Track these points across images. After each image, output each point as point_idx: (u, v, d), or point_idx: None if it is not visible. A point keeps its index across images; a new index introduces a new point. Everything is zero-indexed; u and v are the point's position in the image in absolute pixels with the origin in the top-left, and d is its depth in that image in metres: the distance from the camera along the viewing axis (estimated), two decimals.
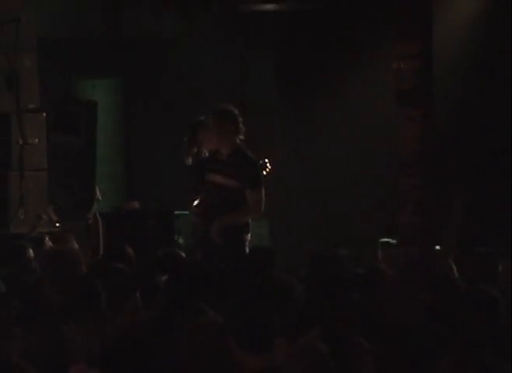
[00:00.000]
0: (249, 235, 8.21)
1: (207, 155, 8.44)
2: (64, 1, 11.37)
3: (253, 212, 8.21)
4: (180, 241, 9.31)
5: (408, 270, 6.47)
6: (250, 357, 4.61)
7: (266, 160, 8.73)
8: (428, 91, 8.97)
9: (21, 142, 9.29)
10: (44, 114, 9.56)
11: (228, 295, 5.78)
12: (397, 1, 9.04)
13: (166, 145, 10.58)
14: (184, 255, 7.11)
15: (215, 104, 8.48)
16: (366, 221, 10.33)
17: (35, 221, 9.16)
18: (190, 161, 8.64)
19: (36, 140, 9.39)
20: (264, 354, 4.63)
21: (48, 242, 7.84)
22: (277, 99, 11.67)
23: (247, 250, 8.06)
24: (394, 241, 8.69)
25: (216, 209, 8.18)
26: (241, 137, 8.24)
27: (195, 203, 8.44)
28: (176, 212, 9.75)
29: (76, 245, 8.33)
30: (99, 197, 9.85)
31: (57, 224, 9.40)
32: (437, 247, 8.74)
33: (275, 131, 11.30)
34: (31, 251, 7.12)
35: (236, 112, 8.27)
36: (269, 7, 11.32)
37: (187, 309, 5.53)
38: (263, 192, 8.21)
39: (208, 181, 8.28)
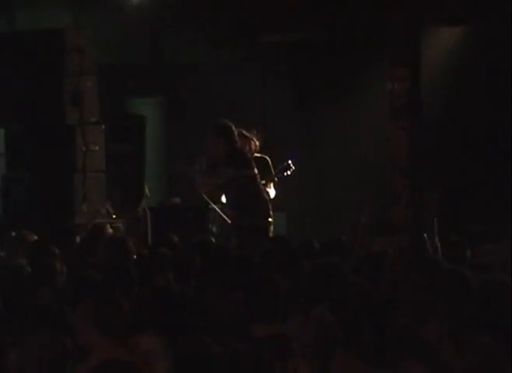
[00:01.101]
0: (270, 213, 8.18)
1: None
2: (118, 34, 11.40)
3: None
4: (214, 229, 9.29)
5: (401, 253, 6.48)
6: (258, 326, 4.60)
7: (290, 161, 8.67)
8: (416, 107, 8.99)
9: (84, 149, 9.27)
10: (103, 126, 9.56)
11: (248, 274, 5.71)
12: (391, 33, 9.05)
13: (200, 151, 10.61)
14: (214, 241, 7.09)
15: (238, 117, 8.46)
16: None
17: (95, 214, 9.22)
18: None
19: (97, 147, 9.37)
20: (269, 324, 4.61)
21: (109, 231, 7.85)
22: (292, 113, 11.67)
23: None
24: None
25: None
26: (235, 145, 8.11)
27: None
28: (209, 206, 9.76)
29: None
30: (148, 194, 9.85)
31: (114, 216, 9.45)
32: (425, 235, 8.75)
33: (291, 139, 11.30)
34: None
35: (228, 125, 8.13)
36: (283, 38, 11.32)
37: (215, 285, 5.59)
38: (254, 171, 8.13)
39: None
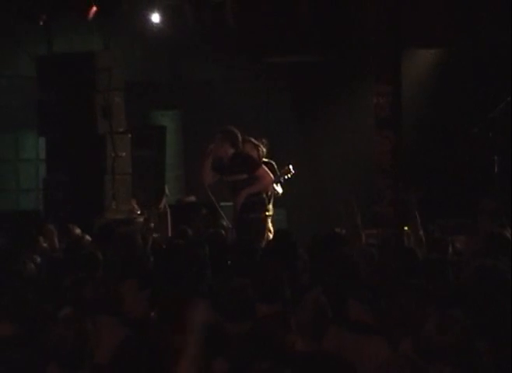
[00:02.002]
0: (270, 206, 8.09)
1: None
2: (142, 55, 11.43)
3: (265, 185, 7.98)
4: (224, 224, 9.31)
5: (384, 245, 6.49)
6: (262, 306, 4.61)
7: (290, 166, 8.66)
8: (398, 118, 9.00)
9: (113, 155, 9.29)
10: (129, 135, 9.60)
11: (253, 262, 5.67)
12: (376, 55, 9.07)
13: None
14: (224, 234, 7.06)
15: (245, 127, 8.44)
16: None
17: (131, 211, 9.27)
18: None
19: (124, 153, 9.39)
20: (271, 304, 4.63)
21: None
22: (292, 122, 11.68)
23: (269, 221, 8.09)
24: None
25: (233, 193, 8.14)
26: (238, 148, 7.94)
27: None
28: (221, 203, 9.75)
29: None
30: (168, 193, 9.88)
31: (138, 212, 9.47)
32: (405, 228, 8.75)
33: (291, 146, 11.30)
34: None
35: (234, 131, 7.95)
36: (284, 59, 11.33)
37: (224, 272, 5.59)
38: (264, 169, 7.92)
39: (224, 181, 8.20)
